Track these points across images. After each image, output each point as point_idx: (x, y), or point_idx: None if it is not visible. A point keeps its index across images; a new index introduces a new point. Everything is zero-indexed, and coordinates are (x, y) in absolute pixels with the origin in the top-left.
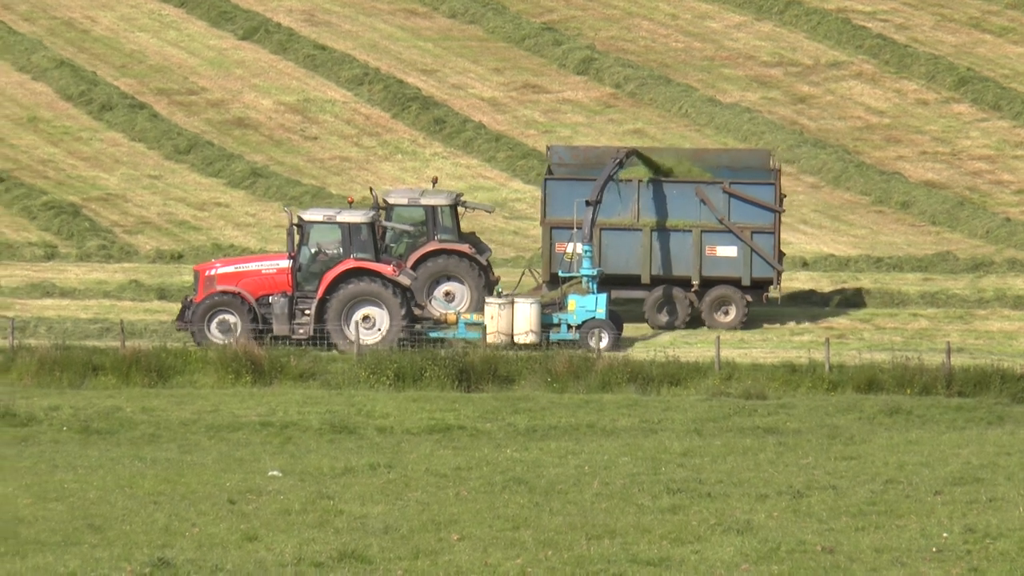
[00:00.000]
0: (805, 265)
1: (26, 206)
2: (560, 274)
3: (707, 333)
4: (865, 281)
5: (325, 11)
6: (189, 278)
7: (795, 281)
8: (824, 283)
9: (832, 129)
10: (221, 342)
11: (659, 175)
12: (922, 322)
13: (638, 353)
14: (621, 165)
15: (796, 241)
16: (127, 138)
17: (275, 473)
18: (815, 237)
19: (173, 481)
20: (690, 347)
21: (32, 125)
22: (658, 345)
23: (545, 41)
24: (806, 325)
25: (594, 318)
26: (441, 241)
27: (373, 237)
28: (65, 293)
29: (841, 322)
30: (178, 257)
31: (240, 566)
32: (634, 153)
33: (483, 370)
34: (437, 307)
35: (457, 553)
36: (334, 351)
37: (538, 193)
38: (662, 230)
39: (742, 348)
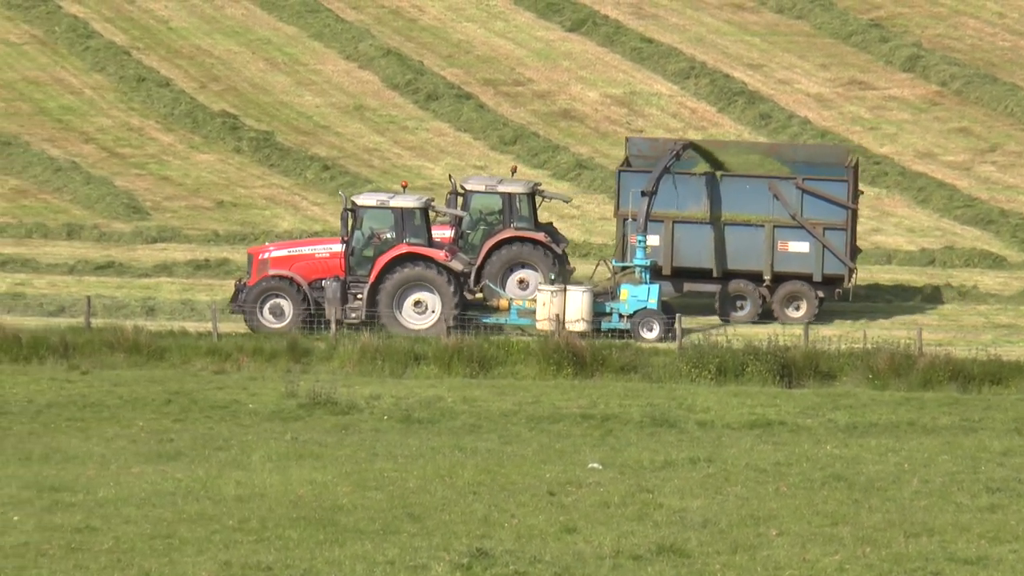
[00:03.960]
0: None
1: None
2: (613, 263)
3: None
4: None
5: (653, 4)
6: None
7: None
8: None
9: None
10: (273, 326)
11: (716, 169)
12: None
13: (960, 351)
14: (678, 157)
15: None
16: (452, 128)
17: (595, 465)
18: None
19: (493, 472)
20: (1012, 346)
21: (358, 113)
22: (979, 344)
23: (872, 38)
24: None
25: (646, 308)
26: (517, 229)
27: (426, 222)
28: None
29: None
30: None
31: (558, 558)
32: (691, 146)
33: (804, 366)
34: (501, 293)
35: (775, 548)
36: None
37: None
38: (734, 224)
39: None
